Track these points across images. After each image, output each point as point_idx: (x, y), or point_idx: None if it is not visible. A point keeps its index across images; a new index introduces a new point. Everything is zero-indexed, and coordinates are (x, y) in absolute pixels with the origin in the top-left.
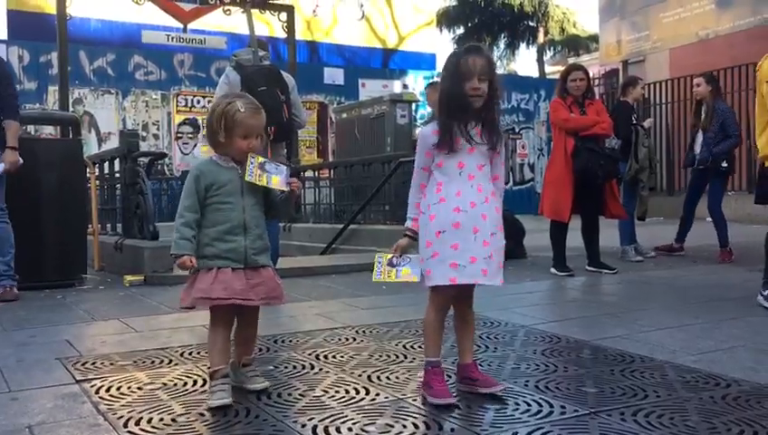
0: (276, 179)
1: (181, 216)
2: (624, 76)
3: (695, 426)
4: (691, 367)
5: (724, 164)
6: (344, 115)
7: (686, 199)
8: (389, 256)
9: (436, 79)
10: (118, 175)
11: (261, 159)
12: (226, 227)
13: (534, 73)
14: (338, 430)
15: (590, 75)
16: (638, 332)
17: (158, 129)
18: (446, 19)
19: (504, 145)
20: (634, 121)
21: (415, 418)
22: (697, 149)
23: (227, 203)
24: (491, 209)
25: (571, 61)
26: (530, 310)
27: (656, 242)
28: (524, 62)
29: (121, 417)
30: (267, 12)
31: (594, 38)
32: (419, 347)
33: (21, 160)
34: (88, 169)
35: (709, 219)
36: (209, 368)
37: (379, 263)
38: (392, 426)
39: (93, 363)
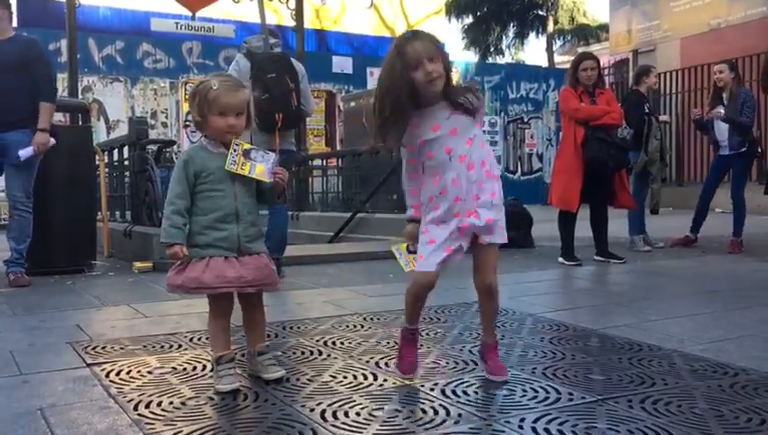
0: (260, 168)
1: (171, 202)
2: (634, 66)
3: (702, 414)
4: (699, 356)
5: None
6: (352, 104)
7: (704, 188)
8: (405, 244)
9: None
10: (127, 162)
11: (246, 146)
12: (218, 215)
13: (543, 63)
14: (346, 414)
15: (601, 65)
16: (646, 321)
17: (166, 117)
18: (455, 8)
19: (478, 99)
20: (646, 111)
21: (423, 404)
22: (719, 135)
23: (218, 190)
24: (485, 183)
25: (581, 50)
26: (537, 299)
27: (665, 233)
28: (533, 51)
29: (131, 400)
30: (276, 0)
31: (604, 27)
32: (427, 335)
33: (53, 141)
34: (97, 157)
35: (719, 210)
36: (214, 354)
37: (400, 254)
38: (400, 411)
39: (103, 348)
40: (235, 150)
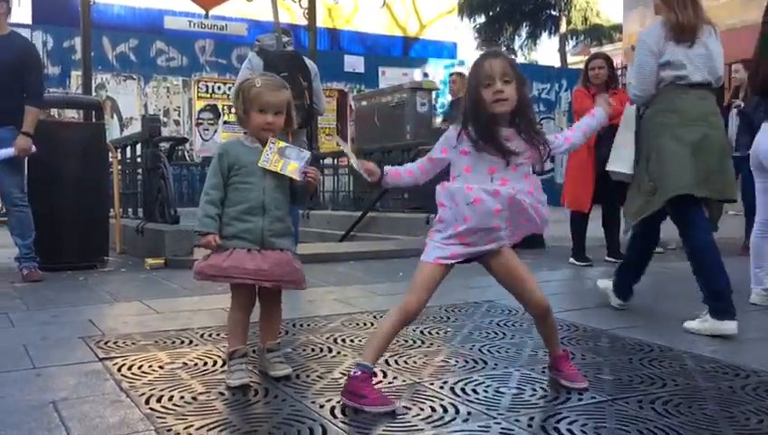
0: (293, 166)
1: (206, 193)
2: None
3: (712, 415)
4: (710, 357)
5: None
6: (364, 103)
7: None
8: (282, 144)
9: (458, 69)
10: (140, 160)
11: (282, 144)
12: (245, 206)
13: (556, 63)
14: (355, 411)
15: (614, 65)
16: (657, 321)
17: (179, 114)
18: (467, 7)
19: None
20: None
21: (432, 401)
22: (732, 135)
23: (247, 183)
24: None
25: (594, 51)
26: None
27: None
28: (546, 51)
29: (143, 394)
30: None
31: (617, 28)
32: (436, 332)
33: (33, 148)
34: (110, 154)
35: (732, 212)
36: (227, 348)
37: (271, 147)
38: (409, 409)
39: (115, 343)
40: (270, 148)
